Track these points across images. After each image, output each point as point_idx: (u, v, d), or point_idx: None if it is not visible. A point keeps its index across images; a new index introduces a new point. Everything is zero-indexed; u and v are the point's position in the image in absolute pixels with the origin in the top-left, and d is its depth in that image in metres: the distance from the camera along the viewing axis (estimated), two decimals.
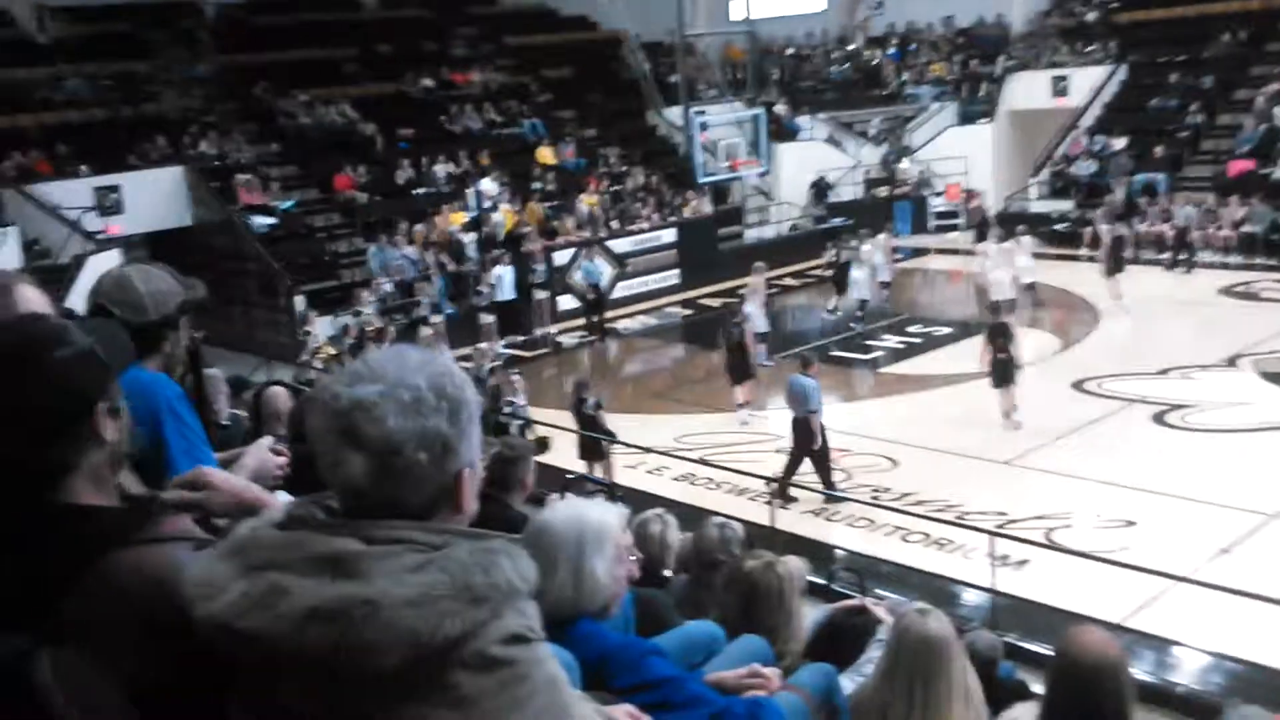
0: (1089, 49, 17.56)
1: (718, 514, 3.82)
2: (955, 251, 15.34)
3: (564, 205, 15.04)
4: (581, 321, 13.51)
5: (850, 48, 20.55)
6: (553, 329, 13.38)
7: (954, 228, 16.71)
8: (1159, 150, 15.62)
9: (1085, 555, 5.37)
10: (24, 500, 0.95)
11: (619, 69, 19.01)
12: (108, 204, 12.64)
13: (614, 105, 18.09)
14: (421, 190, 14.80)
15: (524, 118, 16.65)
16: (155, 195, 13.34)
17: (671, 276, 15.03)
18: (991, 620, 4.91)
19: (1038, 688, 2.46)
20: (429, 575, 0.83)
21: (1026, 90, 17.62)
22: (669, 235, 15.16)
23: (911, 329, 12.02)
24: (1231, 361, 9.74)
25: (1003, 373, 8.44)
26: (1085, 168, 16.21)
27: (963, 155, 17.11)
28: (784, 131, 18.12)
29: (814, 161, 17.95)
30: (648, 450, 7.82)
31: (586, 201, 15.02)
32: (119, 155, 13.40)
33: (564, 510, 1.68)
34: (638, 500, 5.32)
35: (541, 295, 13.43)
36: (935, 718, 1.82)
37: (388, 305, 12.49)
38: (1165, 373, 9.55)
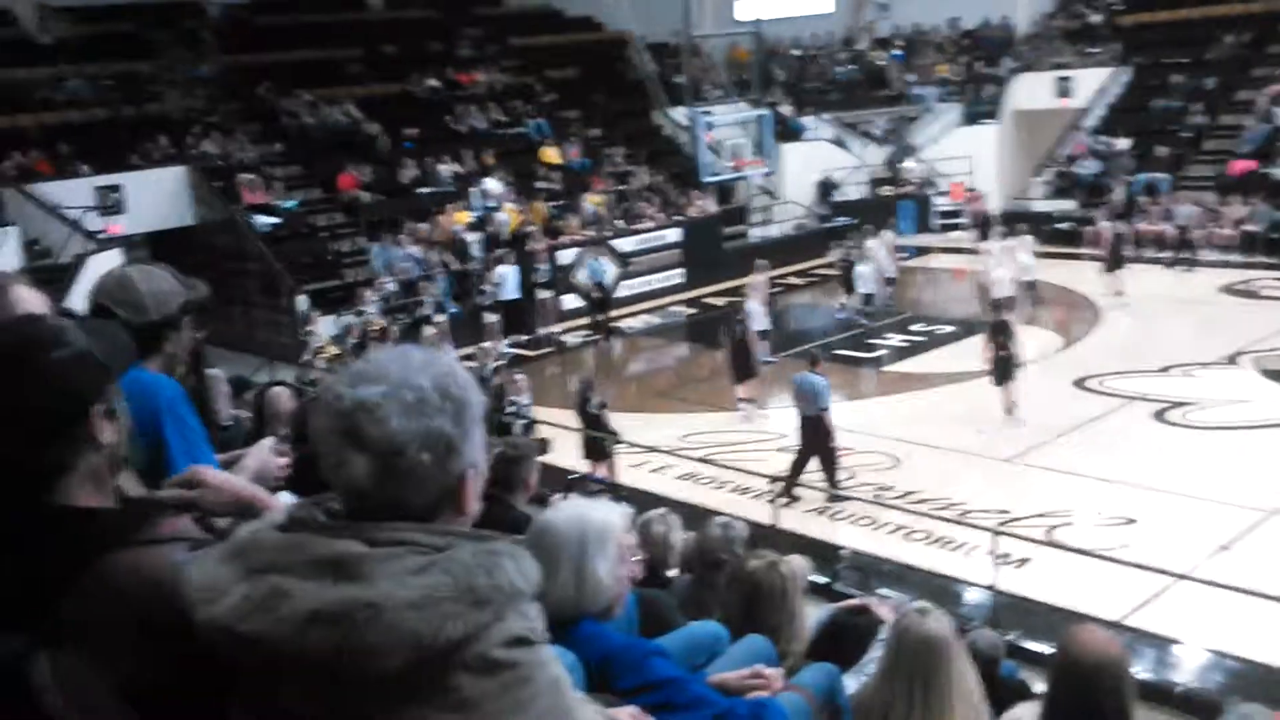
0: (1093, 51, 17.57)
1: (721, 513, 3.82)
2: (958, 250, 15.32)
3: (569, 205, 15.04)
4: (586, 321, 13.51)
5: (856, 49, 20.53)
6: (556, 328, 13.38)
7: (957, 227, 16.69)
8: (1162, 150, 15.65)
9: (1086, 553, 5.36)
10: (21, 501, 0.95)
11: (624, 69, 18.99)
12: (109, 204, 12.65)
13: (619, 105, 18.08)
14: (426, 190, 14.80)
15: (529, 118, 16.65)
16: (157, 195, 13.34)
17: (676, 276, 15.03)
18: (993, 619, 4.90)
19: (1040, 687, 2.46)
20: (431, 577, 0.82)
21: (1031, 91, 17.63)
22: (674, 235, 15.16)
23: (915, 327, 12.01)
24: (1232, 359, 9.73)
25: (1003, 370, 8.45)
26: (1088, 167, 16.20)
27: (967, 155, 17.09)
28: (789, 131, 18.11)
29: (819, 161, 17.95)
30: (651, 450, 7.81)
31: (591, 201, 15.02)
32: (121, 155, 13.40)
33: (567, 510, 1.68)
34: (641, 500, 5.32)
35: (545, 295, 13.43)
36: (936, 718, 1.82)
37: (391, 305, 12.48)
38: (1166, 370, 9.54)
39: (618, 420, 8.11)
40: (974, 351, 9.17)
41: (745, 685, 1.75)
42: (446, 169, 15.03)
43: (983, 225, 14.64)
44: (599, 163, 16.34)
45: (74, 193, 12.34)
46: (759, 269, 11.60)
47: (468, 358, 9.91)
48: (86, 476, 0.98)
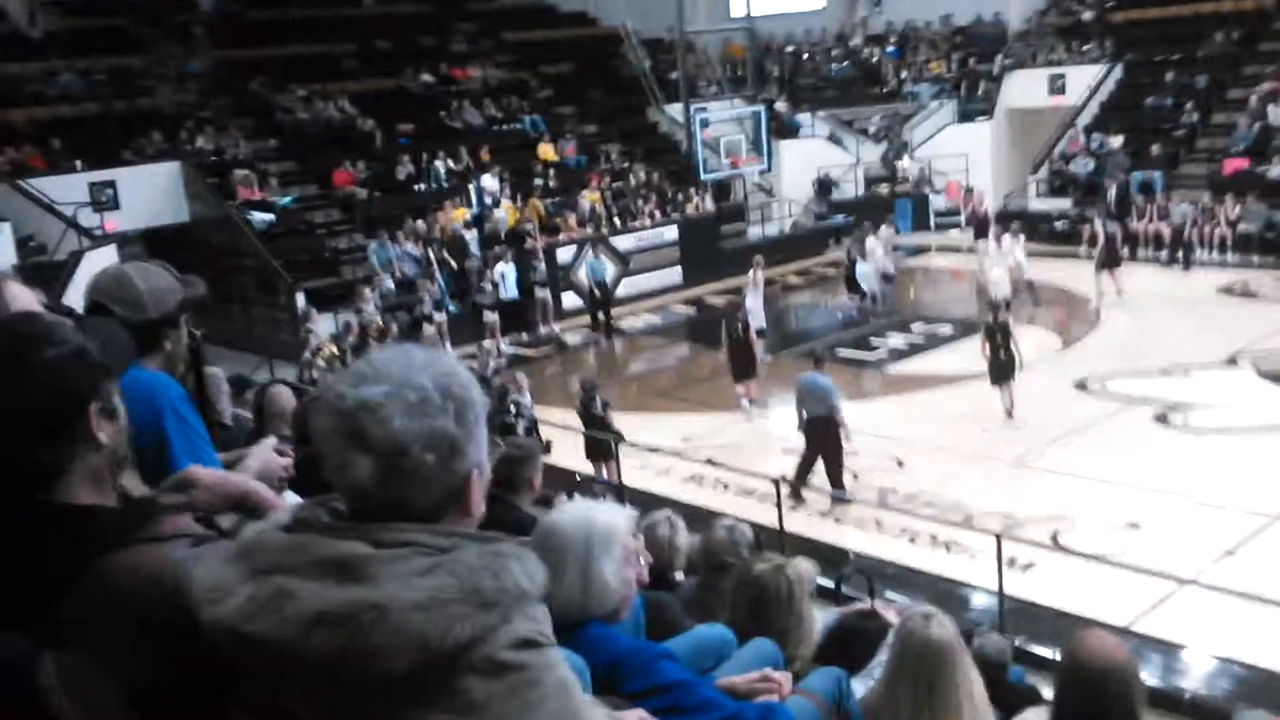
0: (1085, 48, 17.63)
1: (726, 515, 3.80)
2: (956, 249, 15.34)
3: (565, 202, 15.01)
4: (586, 319, 13.49)
5: (850, 45, 20.56)
6: (556, 327, 13.36)
7: (955, 225, 16.73)
8: (1155, 149, 15.74)
9: (1092, 558, 5.35)
10: (19, 501, 0.94)
11: (619, 65, 18.97)
12: (103, 199, 12.58)
13: (614, 102, 18.06)
14: (422, 187, 14.75)
15: (524, 114, 16.61)
16: (151, 191, 13.27)
17: (674, 274, 15.03)
18: (999, 623, 4.89)
19: (1049, 692, 2.45)
20: (437, 579, 0.82)
21: (1024, 88, 17.71)
22: (671, 232, 15.16)
23: (915, 328, 12.03)
24: (1231, 360, 9.75)
25: (1000, 370, 8.45)
26: (1083, 166, 16.26)
27: (962, 153, 17.15)
28: (785, 129, 18.13)
29: (815, 159, 17.98)
30: (655, 450, 7.79)
31: (589, 198, 15.00)
32: (114, 150, 13.33)
33: (572, 512, 1.66)
34: (645, 501, 5.31)
35: (543, 293, 13.40)
36: None
37: (389, 303, 12.44)
38: (1166, 372, 9.57)
39: (619, 420, 8.09)
40: (974, 352, 9.17)
41: (754, 689, 1.74)
42: (442, 165, 14.98)
43: (980, 225, 14.68)
44: (595, 160, 16.31)
45: (67, 188, 12.26)
46: (756, 265, 11.61)
47: (468, 357, 9.87)
48: (85, 476, 0.98)
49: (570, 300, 13.90)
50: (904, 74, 19.45)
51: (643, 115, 18.30)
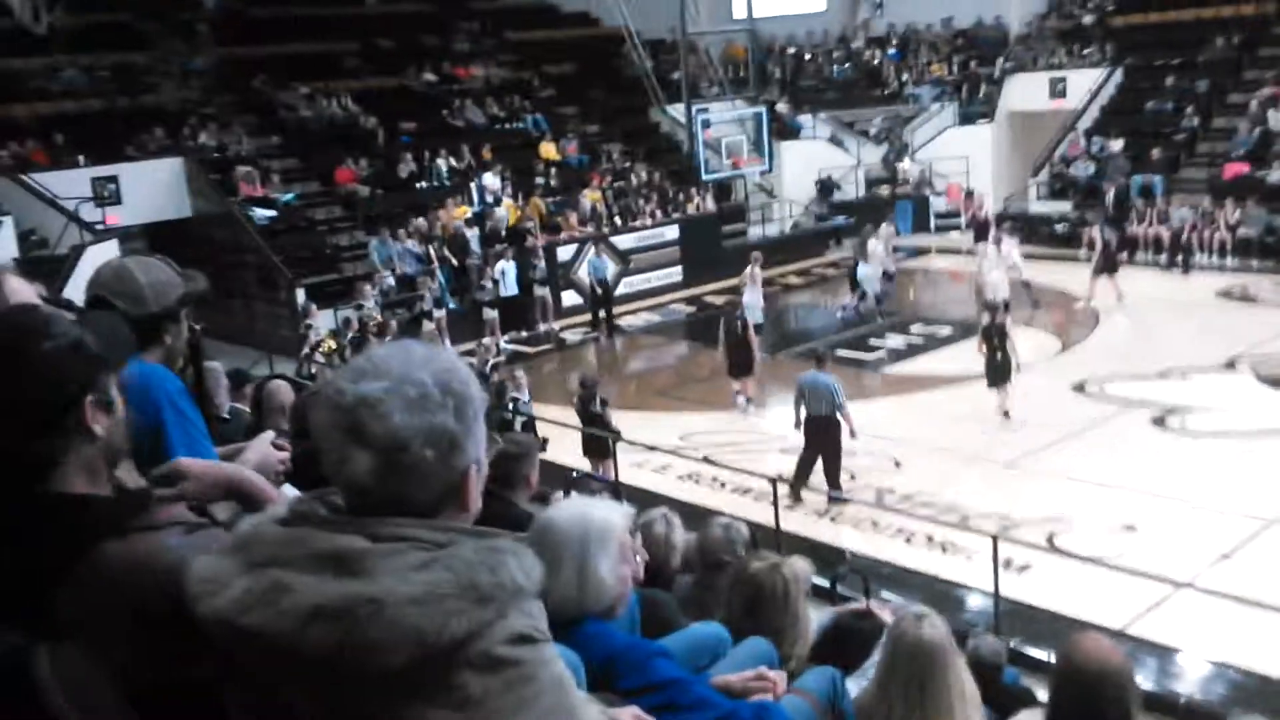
0: (1086, 51, 17.63)
1: (722, 514, 3.80)
2: (956, 251, 15.36)
3: (567, 201, 15.01)
4: (586, 318, 13.49)
5: (851, 47, 20.57)
6: (556, 325, 13.36)
7: (955, 228, 16.74)
8: (1155, 153, 15.75)
9: (1088, 560, 5.36)
10: (12, 491, 0.94)
11: (621, 66, 18.98)
12: (105, 194, 12.59)
13: (616, 102, 18.07)
14: (424, 185, 14.76)
15: (526, 113, 16.61)
16: (153, 186, 13.28)
17: (674, 273, 15.04)
18: (995, 625, 4.89)
19: (1044, 694, 2.45)
20: (434, 574, 0.82)
21: (1025, 91, 17.72)
22: (672, 232, 15.17)
23: (914, 329, 12.03)
24: (1230, 364, 9.76)
25: (997, 372, 8.46)
26: (1084, 169, 16.26)
27: (963, 155, 17.16)
28: (786, 130, 18.13)
29: (816, 160, 17.99)
30: (652, 449, 7.79)
31: (590, 197, 15.00)
32: (116, 146, 13.34)
33: (569, 509, 1.67)
34: (642, 499, 5.31)
35: (542, 291, 13.41)
36: None
37: (390, 299, 12.46)
38: (1164, 375, 9.57)
39: (617, 419, 8.09)
40: (972, 353, 9.18)
41: (749, 687, 1.74)
42: (444, 163, 14.99)
43: (980, 228, 14.71)
44: (596, 159, 16.31)
45: (70, 183, 12.27)
46: (754, 261, 11.60)
47: (467, 354, 9.87)
48: (80, 467, 0.98)
49: (570, 298, 13.90)
50: (905, 76, 19.46)
51: (645, 115, 18.30)
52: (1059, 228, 15.40)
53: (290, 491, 1.52)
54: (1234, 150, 15.20)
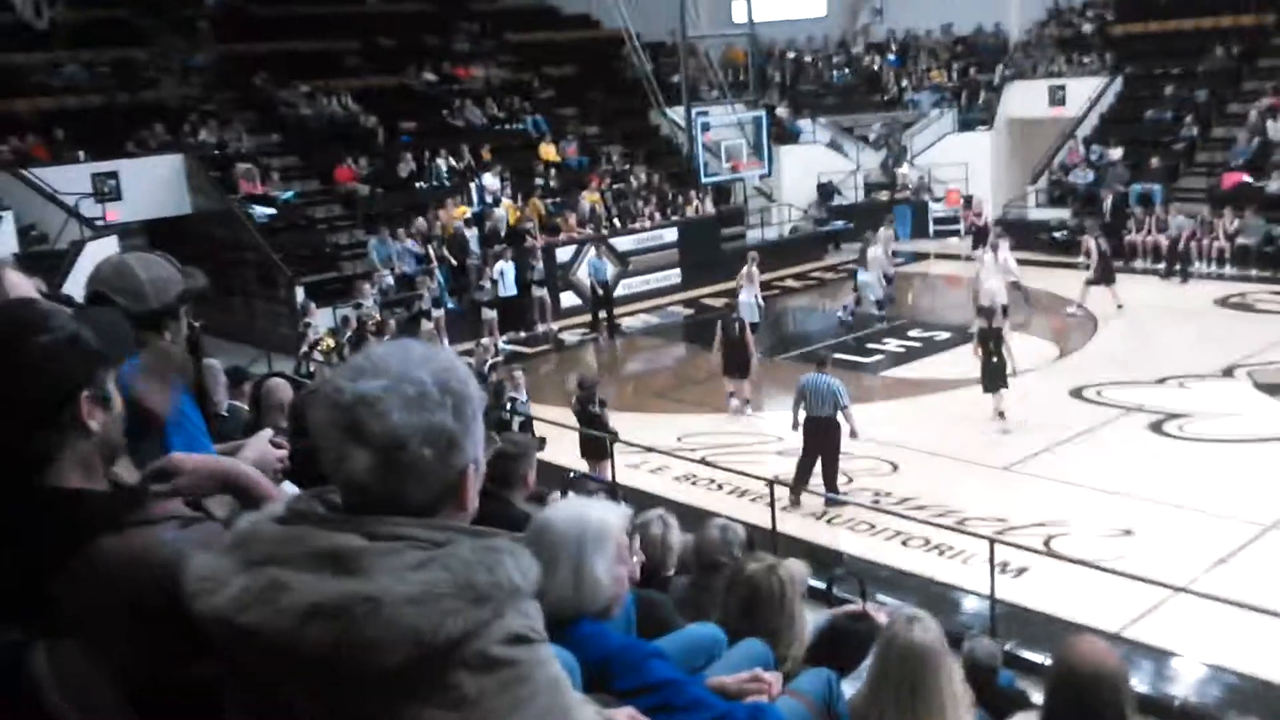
0: (1085, 60, 17.69)
1: (719, 515, 3.80)
2: (955, 257, 15.39)
3: (566, 202, 15.03)
4: (584, 318, 13.50)
5: (851, 53, 20.62)
6: (554, 325, 13.37)
7: (954, 233, 16.78)
8: (1155, 161, 15.80)
9: (1084, 564, 5.37)
10: (7, 487, 0.94)
11: (621, 68, 19.01)
12: (105, 190, 12.58)
13: (616, 104, 18.10)
14: (423, 184, 14.77)
15: (526, 114, 16.63)
16: (154, 183, 13.27)
17: (673, 275, 15.06)
18: (991, 627, 4.90)
19: (1038, 697, 2.46)
20: (431, 573, 0.82)
21: (1024, 99, 17.77)
22: (671, 234, 15.19)
23: (911, 333, 12.06)
24: (1227, 372, 9.79)
25: (993, 377, 8.50)
26: (1082, 177, 16.31)
27: (962, 162, 17.20)
28: (785, 134, 18.16)
29: (815, 164, 18.03)
30: (650, 450, 7.80)
31: (589, 199, 15.02)
32: (117, 142, 13.33)
33: (566, 509, 1.67)
34: (639, 500, 5.31)
35: (541, 292, 13.42)
36: None
37: (389, 298, 12.46)
38: (1162, 382, 9.60)
39: (615, 420, 8.09)
40: (970, 357, 9.21)
41: (744, 689, 1.74)
42: (443, 163, 15.00)
43: (979, 235, 14.76)
44: (596, 161, 16.33)
45: (70, 179, 12.27)
46: (750, 261, 11.60)
47: (465, 353, 9.88)
48: (75, 463, 0.97)
49: (568, 299, 13.91)
50: (905, 82, 19.51)
51: (644, 118, 18.33)
52: (1057, 235, 15.44)
53: (289, 489, 1.52)
54: (1233, 160, 15.26)
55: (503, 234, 13.91)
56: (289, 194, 13.99)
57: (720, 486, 7.54)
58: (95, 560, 0.92)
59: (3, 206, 11.26)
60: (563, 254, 14.07)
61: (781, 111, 18.56)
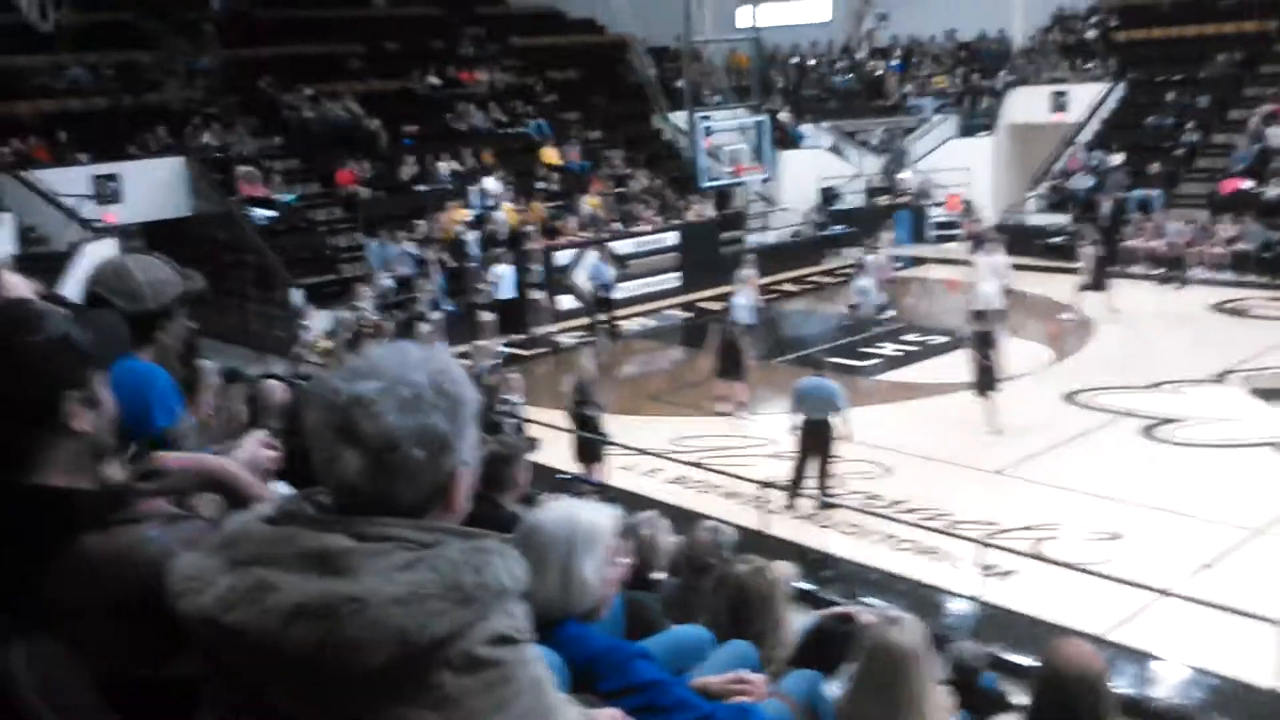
0: (1088, 66, 17.72)
1: (710, 517, 3.82)
2: (954, 261, 15.41)
3: (567, 206, 15.04)
4: (583, 322, 13.48)
5: (855, 58, 20.65)
6: (552, 328, 13.37)
7: (953, 238, 16.80)
8: (1155, 167, 15.79)
9: (1071, 567, 5.39)
10: None
11: (625, 72, 19.03)
12: (106, 192, 12.58)
13: (619, 108, 18.10)
14: (424, 187, 14.78)
15: (529, 118, 16.65)
16: (154, 185, 13.27)
17: (673, 279, 15.06)
18: (977, 630, 4.92)
19: (1020, 699, 2.48)
20: (418, 574, 0.82)
21: (1026, 104, 17.77)
22: (671, 238, 15.19)
23: (907, 337, 12.08)
24: (1221, 377, 9.80)
25: (984, 380, 8.52)
26: (1082, 182, 16.33)
27: (964, 167, 17.20)
28: (788, 139, 18.18)
29: (817, 169, 18.03)
30: (642, 452, 7.81)
31: (589, 202, 15.03)
32: (119, 144, 13.34)
33: (556, 511, 1.68)
34: (630, 502, 5.31)
35: (539, 295, 13.42)
36: None
37: (387, 301, 12.46)
38: (1156, 386, 9.61)
39: (609, 422, 8.10)
40: (963, 362, 9.23)
41: (728, 690, 1.76)
42: (445, 167, 15.02)
43: (978, 241, 14.79)
44: (598, 165, 16.35)
45: (71, 181, 12.27)
46: (747, 263, 11.58)
47: (463, 356, 9.88)
48: (61, 462, 0.97)
49: (567, 302, 13.93)
50: (907, 88, 19.53)
51: (647, 123, 18.33)
52: (1055, 240, 15.47)
53: (282, 489, 1.54)
54: (1233, 166, 15.26)
55: (502, 237, 13.92)
56: (290, 197, 14.00)
57: (712, 489, 7.54)
58: (79, 557, 0.91)
59: (3, 208, 11.26)
60: (562, 257, 14.08)
61: (784, 116, 18.59)
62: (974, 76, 19.06)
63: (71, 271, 9.35)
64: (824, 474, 7.25)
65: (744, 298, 10.81)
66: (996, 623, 5.15)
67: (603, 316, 13.25)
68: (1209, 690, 4.59)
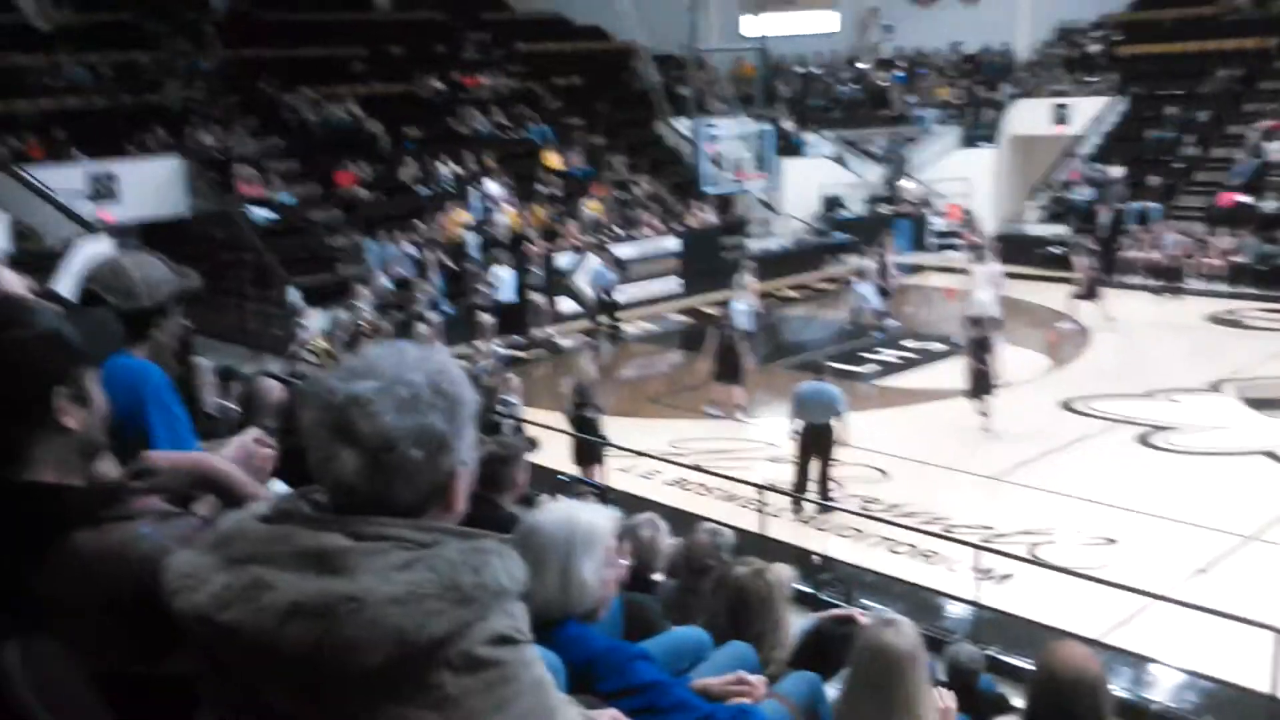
0: (1091, 79, 17.85)
1: (709, 520, 3.81)
2: (952, 270, 15.48)
3: (568, 210, 15.05)
4: (584, 324, 13.50)
5: (859, 69, 20.74)
6: (551, 330, 13.38)
7: (953, 247, 16.87)
8: (1154, 180, 15.91)
9: (1067, 571, 5.41)
10: None
11: (629, 79, 19.07)
12: (102, 191, 12.55)
13: (623, 114, 18.13)
14: (425, 190, 14.78)
15: (532, 123, 16.67)
16: (152, 184, 13.25)
17: (674, 284, 15.10)
18: (974, 633, 4.92)
19: (1018, 701, 2.47)
20: (416, 573, 0.81)
21: (1028, 117, 17.90)
22: (672, 243, 15.23)
23: (906, 343, 12.12)
24: (1215, 386, 9.86)
25: (979, 386, 8.58)
26: (1082, 194, 16.42)
27: (965, 178, 17.29)
28: (791, 147, 18.25)
29: (820, 178, 18.12)
30: (641, 454, 7.81)
31: (590, 207, 15.05)
32: (117, 144, 13.32)
33: (555, 512, 1.68)
34: (629, 504, 5.30)
35: (539, 297, 13.43)
36: None
37: (385, 301, 12.45)
38: (1151, 395, 9.66)
39: (608, 425, 8.11)
40: (961, 368, 9.27)
41: (728, 691, 1.76)
42: (446, 169, 15.01)
43: (976, 250, 14.85)
44: (600, 170, 16.37)
45: (67, 178, 12.24)
46: (745, 269, 11.59)
47: (461, 357, 9.88)
48: (50, 459, 0.96)
49: (566, 305, 13.94)
50: (911, 99, 19.65)
51: (650, 129, 18.35)
52: (1054, 250, 15.54)
53: (279, 488, 1.52)
54: (1230, 179, 15.37)
55: (504, 240, 13.93)
56: (287, 198, 13.98)
57: (711, 491, 7.54)
58: (72, 554, 0.91)
59: None
60: (562, 260, 14.08)
61: (788, 125, 18.66)
62: (977, 88, 19.19)
63: (64, 267, 9.30)
64: (824, 478, 7.26)
65: (743, 303, 10.84)
66: (994, 625, 5.16)
67: (604, 319, 13.26)
68: (1203, 694, 4.60)
